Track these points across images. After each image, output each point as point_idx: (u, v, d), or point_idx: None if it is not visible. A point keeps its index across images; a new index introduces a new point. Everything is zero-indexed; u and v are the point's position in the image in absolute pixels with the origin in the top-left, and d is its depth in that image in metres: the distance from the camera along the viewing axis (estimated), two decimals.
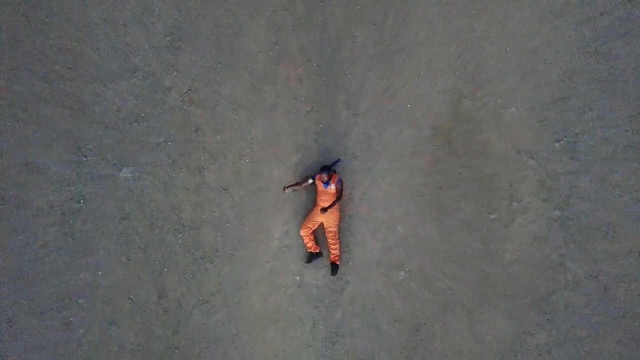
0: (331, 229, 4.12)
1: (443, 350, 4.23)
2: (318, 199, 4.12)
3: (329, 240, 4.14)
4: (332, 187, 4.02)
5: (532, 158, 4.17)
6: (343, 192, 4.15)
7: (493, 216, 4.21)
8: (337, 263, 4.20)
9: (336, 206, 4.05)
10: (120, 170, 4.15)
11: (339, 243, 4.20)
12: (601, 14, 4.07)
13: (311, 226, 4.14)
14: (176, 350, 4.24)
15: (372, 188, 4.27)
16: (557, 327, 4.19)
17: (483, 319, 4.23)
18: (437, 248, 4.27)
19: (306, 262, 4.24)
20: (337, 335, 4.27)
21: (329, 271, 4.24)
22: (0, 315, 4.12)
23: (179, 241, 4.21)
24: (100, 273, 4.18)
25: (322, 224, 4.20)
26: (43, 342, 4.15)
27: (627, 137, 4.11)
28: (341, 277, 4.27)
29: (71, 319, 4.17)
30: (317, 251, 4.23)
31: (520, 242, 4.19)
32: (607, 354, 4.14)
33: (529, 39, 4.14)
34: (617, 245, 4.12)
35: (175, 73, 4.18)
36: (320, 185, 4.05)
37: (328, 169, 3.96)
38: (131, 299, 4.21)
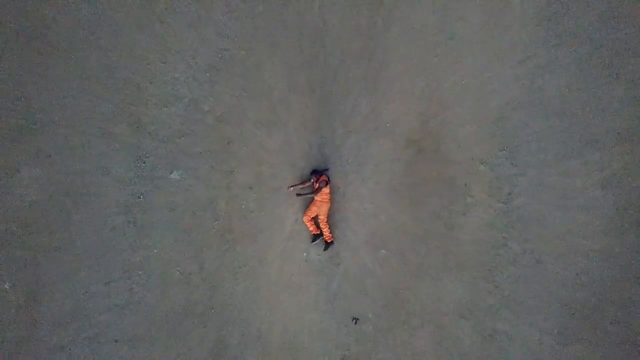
0: (320, 217, 5.38)
1: (415, 310, 5.54)
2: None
3: (321, 225, 5.42)
4: (323, 184, 5.24)
5: (482, 164, 5.47)
6: (331, 192, 5.40)
7: (453, 207, 5.52)
8: (329, 241, 5.47)
9: (325, 201, 5.27)
10: (170, 173, 5.46)
11: (328, 227, 5.43)
12: (534, 55, 5.38)
13: (310, 214, 5.41)
14: (212, 310, 5.55)
15: (361, 186, 5.59)
16: (502, 292, 5.50)
17: (446, 286, 5.54)
18: (410, 232, 5.57)
19: (311, 242, 5.55)
20: (335, 299, 5.58)
21: (324, 247, 5.56)
22: (78, 284, 5.42)
23: (215, 227, 5.52)
24: (155, 251, 5.49)
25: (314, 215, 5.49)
26: (112, 304, 5.45)
27: (555, 148, 5.41)
28: (337, 254, 5.58)
29: (133, 286, 5.48)
30: (318, 232, 5.52)
31: (473, 227, 5.50)
32: (541, 311, 5.45)
33: (479, 74, 5.44)
34: (547, 230, 5.42)
35: (212, 99, 5.48)
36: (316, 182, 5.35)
37: (316, 172, 5.24)
38: (178, 271, 5.52)
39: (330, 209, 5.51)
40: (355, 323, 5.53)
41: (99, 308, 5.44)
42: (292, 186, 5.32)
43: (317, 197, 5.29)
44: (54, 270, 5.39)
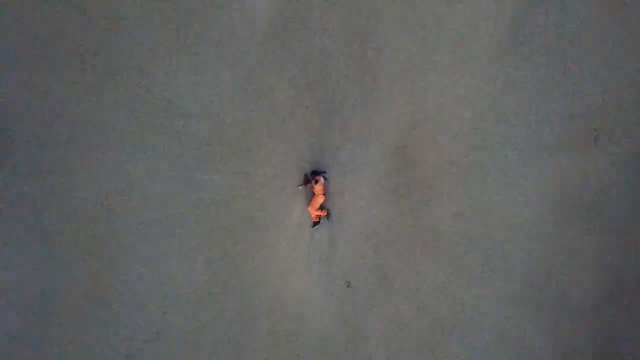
0: (316, 206, 6.63)
1: (400, 286, 6.87)
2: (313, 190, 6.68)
3: (312, 210, 6.67)
4: (322, 181, 6.50)
5: (455, 166, 6.72)
6: (326, 188, 6.64)
7: (431, 202, 6.79)
8: (317, 221, 6.79)
9: (320, 193, 6.50)
10: (203, 175, 6.66)
11: (320, 212, 6.68)
12: (498, 77, 6.56)
13: (312, 206, 6.68)
14: (234, 286, 6.85)
15: (356, 185, 6.82)
16: (472, 271, 6.82)
17: (425, 266, 6.86)
18: (396, 222, 6.85)
19: (312, 227, 6.83)
20: (334, 277, 6.89)
21: (325, 235, 6.83)
22: (128, 265, 6.67)
23: (238, 216, 6.77)
24: (186, 238, 6.75)
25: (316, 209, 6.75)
26: (155, 285, 6.72)
27: (514, 153, 6.65)
28: (336, 240, 6.87)
29: (174, 270, 6.75)
30: (317, 220, 6.81)
31: (448, 217, 6.78)
32: (501, 283, 6.79)
33: (455, 92, 6.63)
34: (505, 219, 6.72)
35: (232, 114, 6.65)
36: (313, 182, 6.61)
37: (315, 173, 6.52)
38: (205, 254, 6.79)
39: (325, 201, 6.77)
40: (348, 286, 6.86)
41: (143, 276, 6.72)
42: (299, 185, 6.56)
43: (316, 192, 6.56)
44: (109, 253, 6.66)
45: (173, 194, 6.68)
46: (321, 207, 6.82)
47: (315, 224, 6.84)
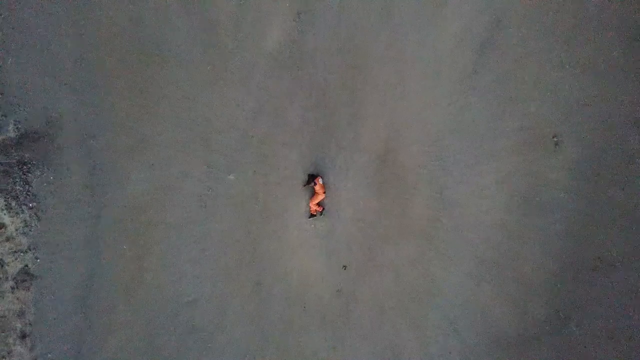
0: (316, 201, 8.47)
1: (384, 261, 8.62)
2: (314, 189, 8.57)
3: (313, 205, 8.52)
4: (320, 182, 8.38)
5: (424, 169, 8.57)
6: (325, 188, 8.51)
7: (406, 197, 8.62)
8: (313, 214, 8.59)
9: (320, 192, 8.37)
10: (228, 175, 8.59)
11: (317, 206, 8.52)
12: (458, 100, 8.49)
13: (313, 201, 8.53)
14: (254, 263, 8.65)
15: (348, 183, 8.70)
16: (437, 249, 8.57)
17: (402, 247, 8.63)
18: (379, 212, 8.67)
19: (308, 218, 8.65)
20: (331, 254, 8.67)
21: (325, 222, 8.64)
22: (172, 246, 8.52)
23: (257, 208, 8.64)
24: (216, 225, 8.61)
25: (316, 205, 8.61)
26: (190, 263, 8.54)
27: (471, 158, 8.49)
28: (333, 224, 8.68)
29: (207, 250, 8.58)
30: (314, 214, 8.64)
31: (419, 209, 8.59)
32: (460, 261, 8.52)
33: (425, 112, 8.54)
34: (465, 210, 8.50)
35: (255, 129, 8.62)
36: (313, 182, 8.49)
37: (312, 176, 8.38)
38: (232, 237, 8.64)
39: (324, 198, 8.64)
40: (345, 269, 8.63)
41: (181, 255, 8.56)
42: (304, 185, 8.45)
43: (317, 190, 8.44)
44: (152, 237, 8.54)
45: (207, 191, 8.61)
46: (319, 204, 8.67)
47: (312, 215, 8.68)
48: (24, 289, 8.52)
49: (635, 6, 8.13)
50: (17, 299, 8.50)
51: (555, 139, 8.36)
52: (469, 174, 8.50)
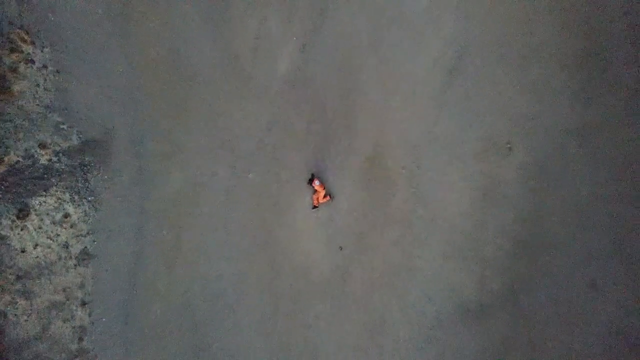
0: (317, 196, 10.59)
1: (373, 243, 10.72)
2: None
3: (320, 200, 10.63)
4: (316, 183, 10.49)
5: (404, 169, 10.68)
6: (325, 186, 10.62)
7: (389, 191, 10.71)
8: (316, 205, 10.67)
9: (320, 189, 10.48)
10: (248, 174, 10.70)
11: (318, 200, 10.63)
12: (425, 117, 10.58)
13: (315, 196, 10.62)
14: (268, 244, 10.75)
15: (344, 181, 10.79)
16: (416, 234, 10.67)
17: (387, 232, 10.73)
18: (369, 203, 10.76)
19: (311, 209, 10.76)
20: (331, 238, 10.79)
21: (325, 213, 10.74)
22: (197, 229, 10.62)
23: (270, 201, 10.73)
24: (238, 214, 10.71)
25: (319, 197, 10.70)
26: (218, 244, 10.64)
27: (441, 162, 10.58)
28: (332, 214, 10.79)
29: (230, 235, 10.69)
30: (317, 205, 10.74)
31: (399, 202, 10.68)
32: (434, 245, 10.62)
33: (404, 123, 10.64)
34: (437, 203, 10.59)
35: (269, 137, 10.71)
36: (314, 183, 10.58)
37: (313, 176, 10.47)
38: (250, 225, 10.73)
39: (325, 194, 10.74)
40: (341, 249, 10.73)
41: (209, 239, 10.66)
42: (308, 183, 10.56)
43: (317, 188, 10.55)
44: (186, 226, 10.64)
45: (230, 187, 10.72)
46: (326, 194, 10.78)
47: (314, 207, 10.78)
48: (84, 266, 10.64)
49: (570, 39, 10.21)
50: (79, 274, 10.63)
51: (508, 146, 10.45)
52: (440, 174, 10.59)
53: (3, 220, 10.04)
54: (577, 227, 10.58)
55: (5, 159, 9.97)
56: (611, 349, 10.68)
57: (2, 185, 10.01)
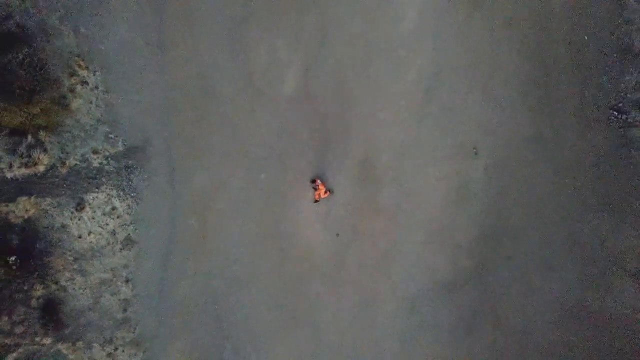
0: (319, 192, 12.85)
1: (365, 229, 12.96)
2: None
3: (321, 195, 12.90)
4: (318, 182, 12.76)
5: (391, 170, 12.90)
6: (326, 185, 12.89)
7: (379, 188, 12.94)
8: (317, 199, 12.93)
9: (321, 187, 12.73)
10: (260, 175, 12.98)
11: (319, 196, 12.87)
12: (407, 127, 12.79)
13: (316, 192, 12.89)
14: (278, 232, 13.03)
15: (340, 180, 13.04)
16: (400, 224, 12.90)
17: (374, 220, 12.96)
18: (361, 199, 13.00)
19: (313, 203, 13.03)
20: (330, 227, 13.04)
21: (325, 207, 13.02)
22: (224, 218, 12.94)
23: (279, 197, 13.00)
24: (252, 208, 12.99)
25: (320, 193, 12.96)
26: (237, 231, 12.95)
27: (420, 163, 12.79)
28: (330, 208, 13.04)
29: (246, 224, 12.99)
30: (318, 200, 13.00)
31: (387, 195, 12.90)
32: (411, 231, 12.84)
33: (388, 136, 12.86)
34: (420, 197, 12.80)
35: (279, 145, 12.99)
36: (316, 182, 12.84)
37: (313, 179, 12.73)
38: (262, 216, 13.02)
39: (326, 190, 13.00)
40: (338, 236, 12.98)
41: (229, 224, 12.98)
42: (311, 182, 12.84)
43: (318, 185, 12.85)
44: (211, 217, 12.95)
45: (246, 186, 13.04)
46: (327, 190, 13.00)
47: (315, 201, 13.05)
48: (127, 250, 12.97)
49: (526, 63, 12.37)
50: (123, 256, 12.96)
51: (475, 151, 12.64)
52: (420, 174, 12.81)
53: (64, 212, 12.39)
54: (534, 218, 12.75)
55: (66, 162, 12.32)
56: (563, 321, 12.86)
57: (64, 183, 12.36)
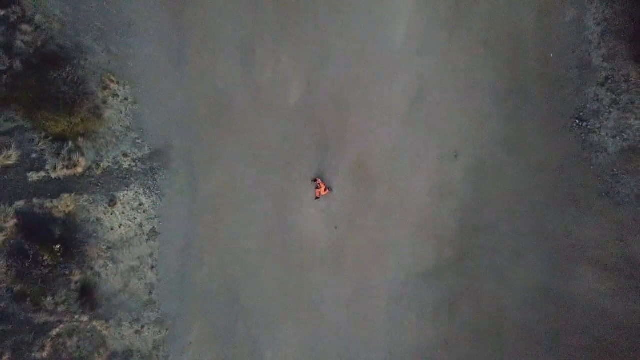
0: (319, 191, 14.73)
1: (357, 222, 14.86)
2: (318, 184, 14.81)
3: (321, 193, 14.78)
4: (318, 181, 14.63)
5: (382, 170, 14.77)
6: (326, 183, 14.78)
7: (372, 186, 14.82)
8: (318, 197, 14.80)
9: (321, 186, 14.61)
10: (269, 175, 14.86)
11: (320, 194, 14.75)
12: (396, 133, 14.67)
13: (317, 190, 14.76)
14: (286, 222, 14.93)
15: (338, 180, 14.91)
16: (389, 217, 14.78)
17: (367, 214, 14.86)
18: (356, 196, 14.88)
19: (315, 199, 14.92)
20: (329, 219, 14.93)
21: (325, 203, 14.89)
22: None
23: (284, 194, 14.88)
24: (261, 204, 14.89)
25: (321, 191, 14.84)
26: (246, 224, 14.84)
27: (410, 164, 14.66)
28: (329, 204, 14.93)
29: (256, 217, 14.88)
30: (318, 197, 14.88)
31: (379, 192, 14.78)
32: (399, 223, 14.75)
33: (380, 141, 14.74)
34: (406, 193, 14.68)
35: (285, 149, 14.86)
36: (317, 181, 14.72)
37: (315, 179, 14.61)
38: (270, 210, 14.91)
39: (326, 188, 14.88)
40: (336, 229, 14.87)
41: (241, 219, 14.89)
42: (312, 181, 14.71)
43: (318, 184, 14.73)
44: (224, 212, 14.84)
45: (255, 184, 14.93)
46: (326, 188, 14.88)
47: (316, 198, 14.93)
48: (152, 240, 14.88)
49: (501, 78, 14.19)
50: (149, 246, 14.87)
51: (455, 154, 14.50)
52: (407, 174, 14.67)
53: (99, 207, 14.29)
54: (506, 212, 14.61)
55: (101, 164, 14.21)
56: (533, 302, 14.71)
57: (99, 182, 14.26)
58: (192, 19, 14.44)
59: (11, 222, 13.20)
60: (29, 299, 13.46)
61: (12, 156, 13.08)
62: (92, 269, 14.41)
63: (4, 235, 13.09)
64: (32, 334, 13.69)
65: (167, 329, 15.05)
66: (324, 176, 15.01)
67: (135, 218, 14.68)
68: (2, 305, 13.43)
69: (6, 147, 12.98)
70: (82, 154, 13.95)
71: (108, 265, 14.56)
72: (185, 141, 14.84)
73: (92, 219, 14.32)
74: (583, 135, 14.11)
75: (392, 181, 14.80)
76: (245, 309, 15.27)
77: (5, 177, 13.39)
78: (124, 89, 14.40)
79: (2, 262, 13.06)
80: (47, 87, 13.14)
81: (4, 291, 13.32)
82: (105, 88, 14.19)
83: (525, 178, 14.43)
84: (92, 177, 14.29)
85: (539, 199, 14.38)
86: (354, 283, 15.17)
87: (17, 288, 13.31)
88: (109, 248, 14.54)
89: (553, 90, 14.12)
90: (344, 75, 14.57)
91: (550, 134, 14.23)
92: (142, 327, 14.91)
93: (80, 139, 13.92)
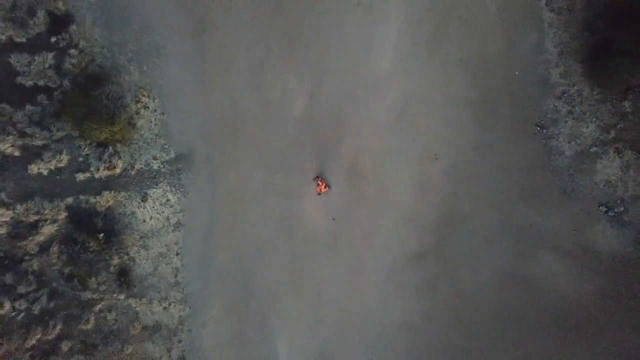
0: (320, 188, 17.28)
1: (358, 215, 17.45)
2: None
3: (322, 190, 17.34)
4: (319, 179, 17.18)
5: (376, 170, 17.34)
6: (326, 181, 17.35)
7: (365, 184, 17.39)
8: (319, 193, 17.35)
9: (322, 183, 17.16)
10: (276, 175, 17.42)
11: (321, 190, 17.31)
12: (386, 139, 17.23)
13: (318, 188, 17.30)
14: (292, 215, 17.52)
15: (335, 179, 17.47)
16: (381, 211, 17.37)
17: (362, 209, 17.44)
18: (352, 193, 17.45)
19: (317, 195, 17.49)
20: (329, 213, 17.52)
21: (325, 198, 17.46)
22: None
23: (289, 191, 17.45)
24: (269, 200, 17.46)
25: (321, 188, 17.39)
26: (260, 217, 17.43)
27: (397, 165, 17.22)
28: (328, 199, 17.50)
29: (265, 212, 17.48)
30: (319, 193, 17.44)
31: (372, 190, 17.35)
32: (390, 217, 17.34)
33: (373, 144, 17.30)
34: (395, 190, 17.25)
35: (289, 153, 17.43)
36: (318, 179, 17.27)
37: (316, 177, 17.17)
38: (277, 206, 17.49)
39: (325, 185, 17.45)
40: (334, 220, 17.45)
41: (253, 212, 17.49)
42: (314, 179, 17.29)
43: (319, 182, 17.31)
44: (240, 205, 17.44)
45: (265, 183, 17.52)
46: (326, 185, 17.42)
47: (318, 194, 17.50)
48: (178, 231, 17.48)
49: (475, 89, 16.71)
50: (175, 236, 17.48)
51: (435, 156, 17.07)
52: (395, 173, 17.23)
53: (133, 202, 16.88)
54: (479, 206, 17.18)
55: (135, 166, 16.78)
56: (502, 283, 17.28)
57: (133, 181, 16.84)
58: (211, 44, 16.98)
59: (62, 215, 15.80)
60: (76, 280, 16.07)
61: (64, 160, 15.65)
62: (127, 254, 17.02)
63: (57, 226, 15.70)
64: (79, 309, 16.33)
65: (190, 307, 17.68)
66: (324, 175, 17.57)
67: (163, 212, 17.28)
68: (55, 284, 16.05)
69: (59, 153, 15.55)
70: (120, 158, 16.52)
71: (141, 251, 17.17)
72: (206, 146, 17.40)
73: (127, 213, 16.92)
74: (544, 140, 16.65)
75: (382, 179, 17.37)
76: (256, 288, 17.88)
77: (58, 177, 15.99)
78: (153, 102, 16.94)
79: (55, 249, 15.66)
80: (92, 101, 15.70)
81: (57, 273, 15.94)
82: (138, 101, 16.74)
83: (495, 177, 16.98)
84: (128, 177, 16.87)
85: (506, 194, 16.94)
86: (348, 265, 17.77)
87: (67, 270, 15.92)
88: (141, 237, 17.14)
89: (518, 103, 16.66)
90: (340, 91, 17.12)
91: (516, 140, 16.77)
92: (169, 304, 17.54)
93: (118, 145, 16.49)
